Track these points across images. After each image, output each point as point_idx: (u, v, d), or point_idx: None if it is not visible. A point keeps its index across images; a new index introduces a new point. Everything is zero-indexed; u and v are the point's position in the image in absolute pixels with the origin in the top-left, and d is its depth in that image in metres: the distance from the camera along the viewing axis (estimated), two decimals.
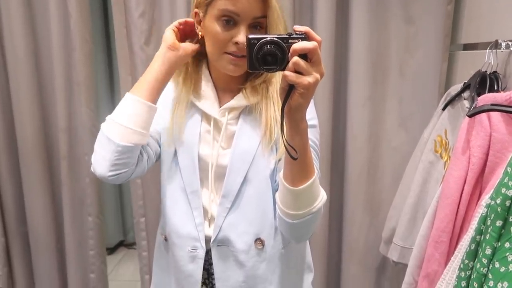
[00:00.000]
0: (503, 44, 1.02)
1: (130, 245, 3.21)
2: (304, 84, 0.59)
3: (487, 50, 1.06)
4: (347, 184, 1.59)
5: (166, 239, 0.90)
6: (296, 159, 0.65)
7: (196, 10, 0.81)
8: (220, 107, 0.86)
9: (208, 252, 0.85)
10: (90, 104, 1.53)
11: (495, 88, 1.02)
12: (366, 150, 1.55)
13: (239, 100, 0.84)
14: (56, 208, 1.66)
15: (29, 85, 1.56)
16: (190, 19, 0.83)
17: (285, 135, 0.66)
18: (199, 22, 0.82)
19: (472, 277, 0.77)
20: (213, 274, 0.86)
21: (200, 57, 0.87)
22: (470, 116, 0.82)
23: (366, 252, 1.61)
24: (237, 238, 0.84)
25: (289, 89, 0.62)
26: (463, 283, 0.80)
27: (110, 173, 0.76)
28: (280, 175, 0.73)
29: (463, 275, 0.80)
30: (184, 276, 0.87)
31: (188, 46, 0.81)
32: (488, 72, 1.07)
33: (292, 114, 0.64)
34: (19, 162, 1.62)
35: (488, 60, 1.06)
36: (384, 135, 1.55)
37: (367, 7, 1.43)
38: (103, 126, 0.78)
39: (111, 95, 2.69)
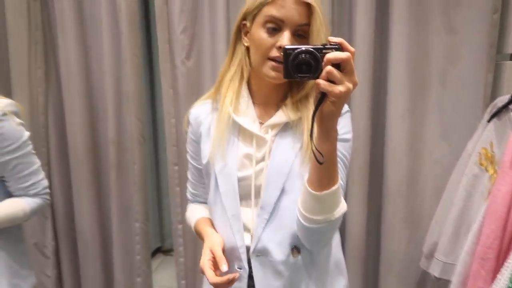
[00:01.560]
0: None
1: (168, 251, 3.29)
2: (336, 92, 0.62)
3: None
4: (386, 197, 1.56)
5: None
6: (322, 163, 0.68)
7: (244, 21, 0.86)
8: (260, 123, 0.88)
9: (249, 263, 0.88)
10: (139, 115, 1.62)
11: None
12: (406, 162, 1.52)
13: (280, 117, 0.87)
14: (103, 214, 1.75)
15: (81, 97, 1.68)
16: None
17: (315, 141, 0.69)
18: (246, 33, 0.87)
19: None
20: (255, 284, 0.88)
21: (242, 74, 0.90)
22: None
23: (406, 266, 1.57)
24: (275, 248, 0.86)
25: (321, 97, 0.65)
26: None
27: None
28: (305, 178, 0.76)
29: None
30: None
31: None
32: None
33: (323, 121, 0.67)
34: (70, 170, 1.73)
35: None
36: (425, 147, 1.51)
37: (407, 16, 1.42)
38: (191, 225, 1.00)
39: (152, 106, 2.82)
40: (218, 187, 0.88)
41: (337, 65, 0.62)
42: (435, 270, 1.32)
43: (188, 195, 1.07)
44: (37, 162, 1.14)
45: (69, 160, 1.72)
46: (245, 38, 0.87)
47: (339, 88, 0.62)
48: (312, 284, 0.88)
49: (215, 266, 0.82)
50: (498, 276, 0.85)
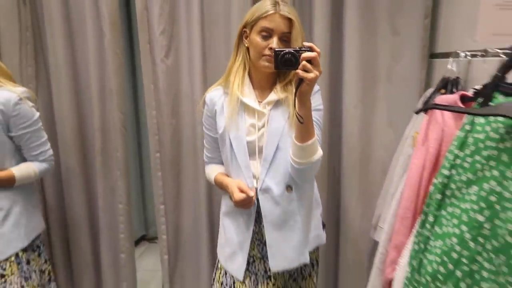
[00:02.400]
0: (462, 54, 1.21)
1: (152, 239, 3.45)
2: (309, 78, 0.98)
3: (450, 59, 1.25)
4: (343, 178, 1.78)
5: None
6: (302, 123, 1.05)
7: (244, 29, 1.21)
8: (259, 101, 1.24)
9: (257, 199, 1.23)
10: (121, 108, 1.78)
11: (455, 92, 1.21)
12: (359, 147, 1.73)
13: (273, 97, 1.22)
14: (90, 196, 1.91)
15: (68, 93, 1.82)
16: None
17: (296, 109, 1.05)
18: (246, 37, 1.21)
19: (419, 240, 0.97)
20: (261, 213, 1.23)
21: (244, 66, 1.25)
22: (416, 113, 1.02)
23: (360, 237, 1.79)
24: (274, 186, 1.22)
25: (299, 82, 1.00)
26: (416, 246, 0.99)
27: None
28: (293, 136, 1.13)
29: (416, 240, 1.00)
30: (244, 215, 1.27)
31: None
32: (452, 78, 1.26)
33: (301, 96, 1.03)
34: (59, 158, 1.88)
35: (451, 68, 1.26)
36: (374, 133, 1.73)
37: (358, 20, 1.62)
38: (211, 179, 1.34)
39: (134, 101, 2.98)
40: (233, 149, 1.23)
41: (309, 60, 0.97)
42: (379, 237, 1.54)
43: (205, 158, 1.41)
44: (44, 136, 1.45)
45: (59, 149, 1.87)
46: (246, 41, 1.22)
47: (311, 75, 0.97)
48: (301, 211, 1.26)
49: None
50: (413, 230, 1.08)
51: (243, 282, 1.29)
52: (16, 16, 1.77)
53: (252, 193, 1.18)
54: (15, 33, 1.78)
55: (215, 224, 1.87)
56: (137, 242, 3.19)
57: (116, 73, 1.75)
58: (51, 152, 1.48)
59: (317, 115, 1.21)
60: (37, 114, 1.41)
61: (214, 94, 1.29)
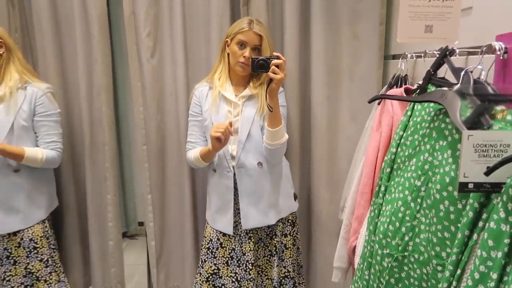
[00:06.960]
0: (409, 55, 1.45)
1: (132, 236, 3.56)
2: (277, 78, 1.41)
3: (400, 60, 1.49)
4: (313, 167, 1.98)
5: (215, 171, 1.66)
6: (272, 111, 1.47)
7: (226, 39, 1.61)
8: (236, 95, 1.62)
9: (234, 173, 1.60)
10: (109, 104, 1.92)
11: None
12: (326, 139, 1.94)
13: (247, 92, 1.62)
14: (80, 187, 2.02)
15: (57, 91, 1.92)
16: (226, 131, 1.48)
17: (267, 101, 1.47)
18: (227, 46, 1.60)
19: (374, 208, 1.18)
20: (237, 184, 1.60)
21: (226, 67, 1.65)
22: (369, 102, 1.24)
23: (328, 220, 2.00)
24: (247, 163, 1.60)
25: (269, 81, 1.43)
26: (372, 213, 1.20)
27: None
28: (265, 124, 1.54)
29: (372, 209, 1.21)
30: (224, 187, 1.63)
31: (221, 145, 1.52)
32: (402, 75, 1.49)
33: (271, 92, 1.45)
34: None
35: (400, 67, 1.49)
36: (339, 126, 1.94)
37: (323, 26, 1.83)
38: (196, 155, 1.64)
39: (115, 97, 3.10)
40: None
41: (277, 65, 1.41)
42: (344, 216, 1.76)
43: (188, 146, 1.71)
44: (59, 130, 1.70)
45: None
46: (227, 48, 1.60)
47: (278, 76, 1.40)
48: (269, 183, 1.64)
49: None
50: (371, 202, 1.29)
51: (232, 237, 1.65)
52: (6, 18, 1.87)
53: (226, 123, 1.46)
54: None
55: (198, 210, 2.02)
56: None
57: (105, 72, 1.88)
58: (61, 145, 1.71)
59: (282, 110, 1.58)
60: (58, 110, 1.71)
61: (202, 88, 1.69)
